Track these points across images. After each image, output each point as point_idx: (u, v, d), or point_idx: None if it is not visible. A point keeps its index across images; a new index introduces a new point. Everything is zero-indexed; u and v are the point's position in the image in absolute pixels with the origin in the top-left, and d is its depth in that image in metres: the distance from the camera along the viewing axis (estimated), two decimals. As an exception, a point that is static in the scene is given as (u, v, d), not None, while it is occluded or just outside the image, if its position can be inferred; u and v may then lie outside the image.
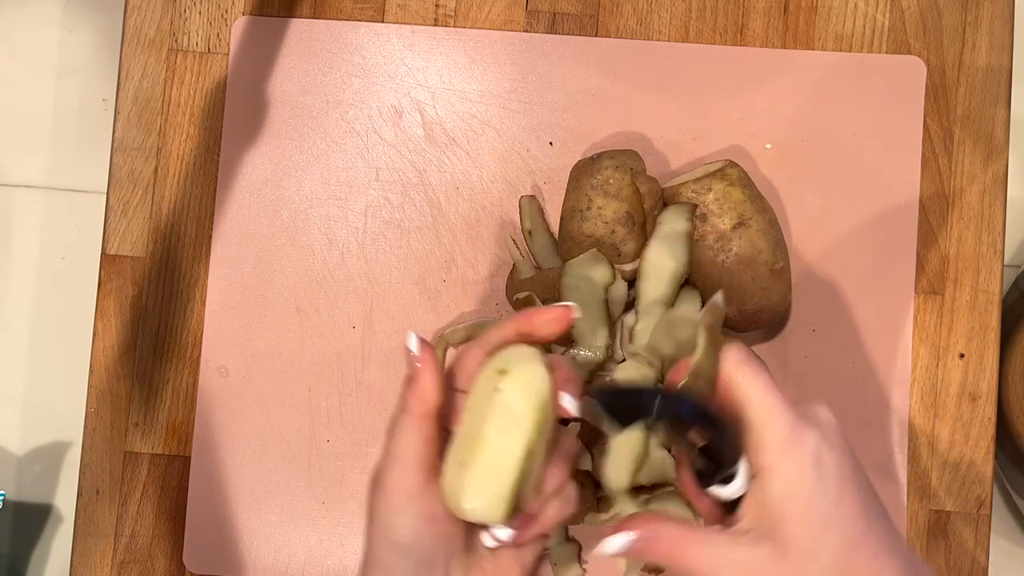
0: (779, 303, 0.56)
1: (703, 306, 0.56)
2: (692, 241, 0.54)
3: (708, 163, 0.58)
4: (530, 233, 0.60)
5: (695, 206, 0.54)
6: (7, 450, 1.17)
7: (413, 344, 0.40)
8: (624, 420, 0.39)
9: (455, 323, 0.60)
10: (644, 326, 0.53)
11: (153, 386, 0.62)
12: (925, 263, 0.60)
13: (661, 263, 0.54)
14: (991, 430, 0.59)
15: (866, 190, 0.60)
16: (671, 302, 0.54)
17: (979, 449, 0.59)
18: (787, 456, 0.37)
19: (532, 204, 0.60)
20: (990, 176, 0.60)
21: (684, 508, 0.51)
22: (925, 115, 0.61)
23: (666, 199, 0.56)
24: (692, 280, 0.56)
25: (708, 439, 0.39)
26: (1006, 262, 0.64)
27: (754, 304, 0.55)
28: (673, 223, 0.54)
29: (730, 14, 0.62)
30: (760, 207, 0.55)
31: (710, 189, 0.54)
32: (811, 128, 0.61)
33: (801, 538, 0.36)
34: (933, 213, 0.60)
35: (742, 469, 0.37)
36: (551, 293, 0.56)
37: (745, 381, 0.38)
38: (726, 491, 0.38)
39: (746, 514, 0.38)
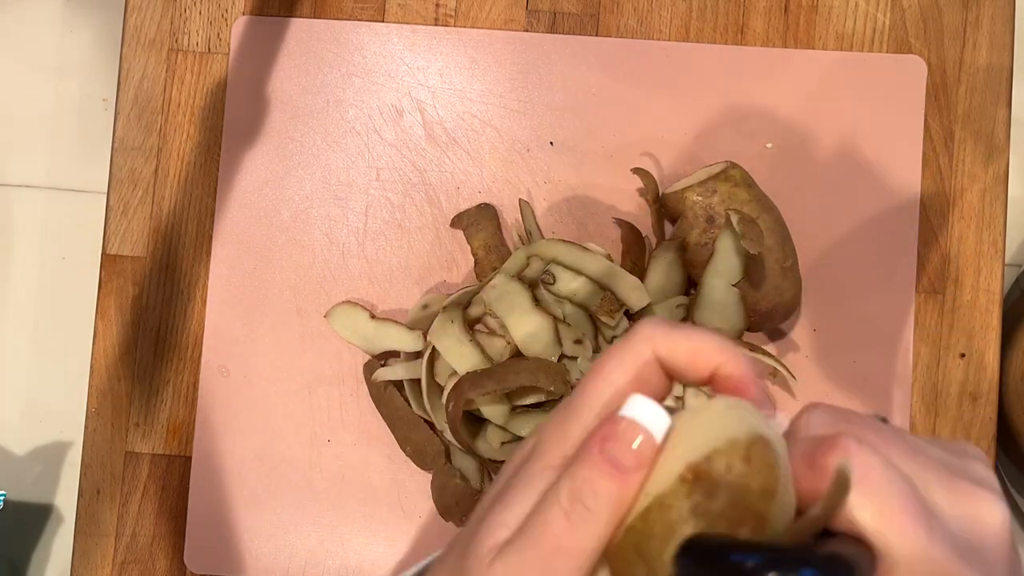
0: (791, 300, 0.56)
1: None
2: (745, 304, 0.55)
3: (709, 165, 0.58)
4: (528, 234, 0.60)
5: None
6: (7, 450, 1.17)
7: (659, 422, 0.26)
8: None
9: (433, 291, 0.59)
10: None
11: (153, 386, 0.62)
12: (926, 262, 0.60)
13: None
14: (992, 430, 0.59)
15: (866, 190, 0.60)
16: None
17: (979, 449, 0.59)
18: None
19: (527, 208, 0.60)
20: (991, 175, 0.60)
21: None
22: (926, 114, 0.61)
23: (670, 204, 0.56)
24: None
25: None
26: (1007, 261, 0.64)
27: (768, 303, 0.55)
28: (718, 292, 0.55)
29: (731, 13, 0.62)
30: (766, 206, 0.55)
31: (715, 191, 0.54)
32: (811, 128, 0.61)
33: None
34: (934, 212, 0.60)
35: None
36: None
37: (861, 510, 0.25)
38: None
39: None
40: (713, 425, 0.26)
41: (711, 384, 0.30)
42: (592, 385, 0.28)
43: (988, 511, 0.26)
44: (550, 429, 0.29)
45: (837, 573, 0.24)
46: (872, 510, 0.25)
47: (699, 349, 0.29)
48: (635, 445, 0.26)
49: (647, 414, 0.26)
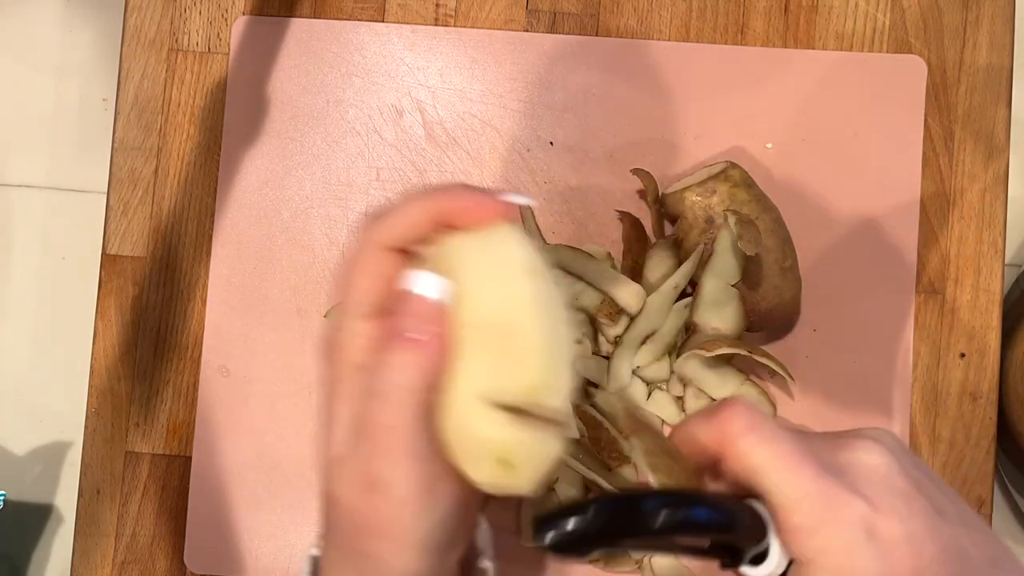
0: (791, 301, 0.56)
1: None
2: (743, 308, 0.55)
3: (708, 165, 0.58)
4: (528, 235, 0.60)
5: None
6: (7, 450, 1.17)
7: (439, 287, 0.30)
8: (625, 532, 0.30)
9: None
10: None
11: (153, 386, 0.62)
12: (926, 262, 0.60)
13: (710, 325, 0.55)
14: (992, 430, 0.59)
15: (866, 190, 0.60)
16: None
17: (980, 449, 0.59)
18: (826, 541, 0.29)
19: (527, 209, 0.60)
20: (991, 175, 0.60)
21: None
22: (926, 114, 0.61)
23: (670, 204, 0.56)
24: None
25: (725, 535, 0.32)
26: (1007, 261, 0.64)
27: (767, 303, 0.55)
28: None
29: (731, 13, 0.62)
30: (765, 206, 0.55)
31: (714, 192, 0.54)
32: (811, 128, 0.61)
33: None
34: (934, 212, 0.60)
35: (774, 547, 0.31)
36: None
37: (755, 453, 0.30)
38: (759, 572, 0.31)
39: None
40: (490, 275, 0.30)
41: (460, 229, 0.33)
42: (349, 300, 0.32)
43: (867, 453, 0.30)
44: (332, 350, 0.32)
45: (732, 513, 0.30)
46: (766, 452, 0.30)
47: (417, 213, 0.31)
48: (427, 314, 0.29)
49: (426, 284, 0.29)
